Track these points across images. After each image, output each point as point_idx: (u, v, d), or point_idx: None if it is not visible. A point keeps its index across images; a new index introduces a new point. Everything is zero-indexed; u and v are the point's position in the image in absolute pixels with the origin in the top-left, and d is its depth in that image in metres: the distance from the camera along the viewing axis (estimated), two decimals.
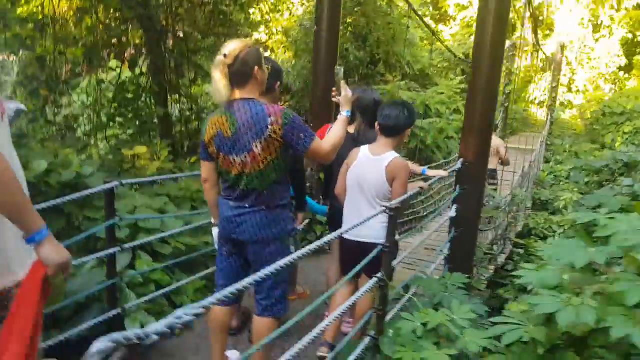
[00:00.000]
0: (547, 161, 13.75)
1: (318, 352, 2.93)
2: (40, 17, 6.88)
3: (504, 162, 7.53)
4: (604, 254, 1.88)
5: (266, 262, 2.33)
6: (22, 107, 1.79)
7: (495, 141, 7.18)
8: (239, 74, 2.20)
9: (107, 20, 7.89)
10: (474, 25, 4.00)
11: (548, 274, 2.02)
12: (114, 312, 2.63)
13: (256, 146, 2.19)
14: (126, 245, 2.75)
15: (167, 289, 2.95)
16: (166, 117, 7.53)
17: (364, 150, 2.90)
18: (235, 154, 2.23)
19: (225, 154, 2.25)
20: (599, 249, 1.93)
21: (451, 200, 3.97)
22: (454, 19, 17.99)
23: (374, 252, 2.47)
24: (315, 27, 4.34)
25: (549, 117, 16.18)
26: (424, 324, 2.33)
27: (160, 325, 1.18)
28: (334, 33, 4.25)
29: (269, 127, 2.17)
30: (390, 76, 13.26)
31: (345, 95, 2.50)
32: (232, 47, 2.21)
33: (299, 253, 1.91)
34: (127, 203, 3.65)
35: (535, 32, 19.87)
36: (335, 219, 3.16)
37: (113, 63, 8.17)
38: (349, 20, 12.58)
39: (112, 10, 7.71)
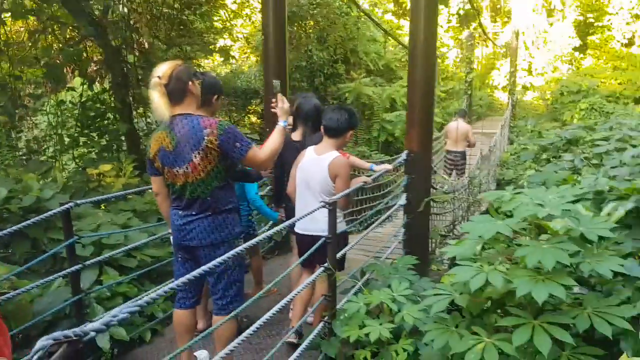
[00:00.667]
0: (511, 142, 14.20)
1: (288, 338, 3.09)
2: None
3: (471, 145, 8.49)
4: (507, 225, 2.12)
5: (217, 264, 2.53)
6: None
7: (464, 127, 8.35)
8: (175, 91, 2.38)
9: (64, 39, 7.93)
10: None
11: (465, 247, 2.25)
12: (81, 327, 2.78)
13: (195, 157, 2.37)
14: (88, 262, 2.90)
15: (135, 301, 3.09)
16: (132, 132, 7.60)
17: (309, 150, 3.12)
18: (177, 166, 2.41)
19: (169, 167, 2.43)
20: (505, 222, 2.17)
21: (400, 189, 4.21)
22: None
23: (318, 243, 2.69)
24: (263, 39, 4.54)
25: (510, 100, 16.66)
26: (367, 304, 2.55)
27: (97, 323, 1.36)
28: (280, 43, 4.45)
29: (205, 138, 2.35)
30: (354, 74, 13.52)
31: (282, 107, 2.70)
32: (164, 68, 2.40)
33: (238, 249, 2.11)
34: (89, 221, 3.79)
35: (494, 21, 20.47)
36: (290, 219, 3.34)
37: (77, 81, 8.20)
38: (310, 22, 12.81)
39: (68, 29, 7.76)
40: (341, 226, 3.09)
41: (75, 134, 7.04)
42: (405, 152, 4.05)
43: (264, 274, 4.03)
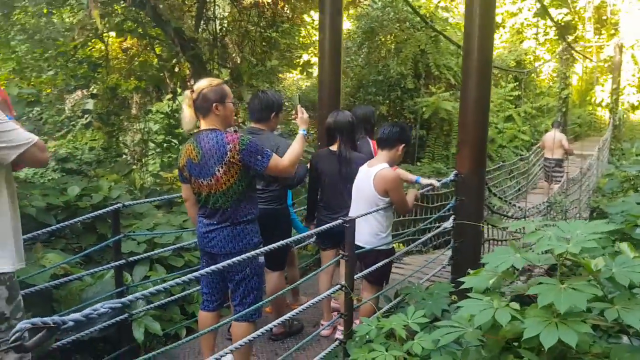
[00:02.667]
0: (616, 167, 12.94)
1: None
2: (100, 55, 7.73)
3: (569, 153, 9.34)
4: (522, 259, 1.97)
5: (236, 272, 2.63)
6: None
7: (558, 135, 9.24)
8: (200, 107, 2.55)
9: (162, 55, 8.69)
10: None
11: (480, 279, 2.13)
12: (122, 317, 3.02)
13: (218, 170, 2.51)
14: (130, 258, 3.14)
15: (171, 298, 3.30)
16: None
17: (365, 164, 3.24)
18: (202, 178, 2.56)
19: (195, 178, 2.60)
20: (523, 255, 2.02)
21: (447, 211, 4.05)
22: (503, 26, 17.54)
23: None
24: (319, 55, 4.64)
25: (612, 119, 15.24)
26: (380, 328, 2.49)
27: (78, 315, 1.49)
28: (335, 59, 4.51)
29: (228, 153, 2.49)
30: (433, 88, 13.22)
31: (301, 117, 2.85)
32: (199, 84, 2.59)
33: (254, 253, 2.22)
34: (148, 221, 4.10)
35: (598, 33, 18.88)
36: (324, 234, 3.37)
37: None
38: (388, 37, 12.78)
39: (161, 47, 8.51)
40: (384, 241, 3.18)
41: (161, 141, 7.65)
42: (454, 172, 3.89)
43: (303, 287, 4.08)
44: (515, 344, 2.10)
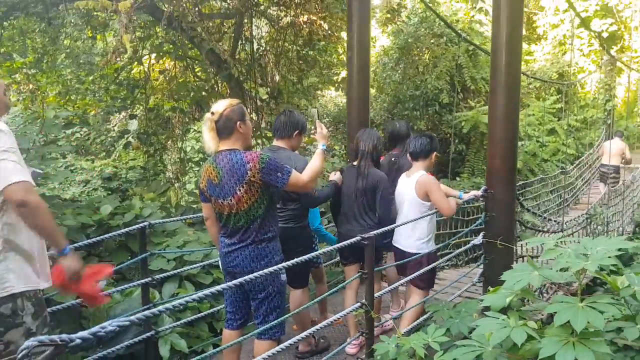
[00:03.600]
0: None
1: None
2: (140, 76, 8.08)
3: (627, 162, 9.95)
4: (540, 278, 1.90)
5: (259, 291, 2.65)
6: (39, 171, 2.37)
7: (620, 144, 10.05)
8: (223, 128, 2.58)
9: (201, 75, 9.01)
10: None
11: (497, 297, 2.06)
12: (148, 334, 3.09)
13: (239, 190, 2.53)
14: (158, 276, 3.23)
15: (197, 315, 3.35)
16: None
17: (403, 175, 3.55)
18: (222, 198, 2.58)
19: (216, 198, 2.62)
20: (541, 273, 1.95)
21: (476, 226, 3.95)
22: (545, 38, 17.09)
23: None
24: (347, 72, 4.68)
25: None
26: (400, 346, 2.44)
27: (85, 333, 1.54)
28: (363, 76, 4.52)
29: (248, 172, 2.51)
30: (472, 102, 12.99)
31: (320, 132, 2.87)
32: (218, 106, 2.62)
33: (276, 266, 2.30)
34: (178, 238, 4.21)
35: None
36: (344, 249, 3.36)
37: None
38: (425, 51, 12.71)
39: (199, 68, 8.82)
40: (428, 245, 3.41)
41: (198, 159, 7.87)
42: (483, 187, 3.80)
43: (332, 304, 4.05)
44: None
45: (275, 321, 2.67)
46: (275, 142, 3.31)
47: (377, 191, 3.39)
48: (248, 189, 2.53)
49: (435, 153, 3.45)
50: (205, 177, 2.66)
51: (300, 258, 2.44)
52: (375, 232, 2.78)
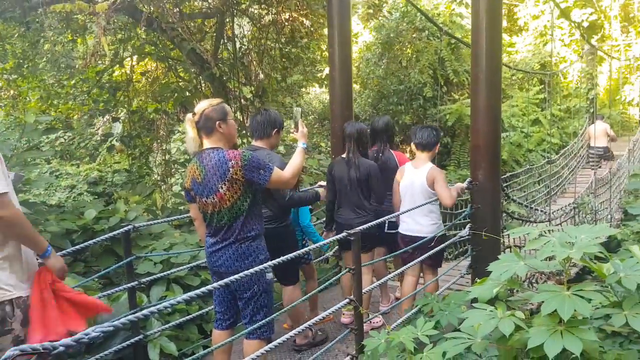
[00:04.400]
0: None
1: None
2: (122, 78, 7.97)
3: (612, 139, 10.63)
4: (525, 267, 1.90)
5: (244, 290, 2.64)
6: (21, 174, 2.34)
7: (602, 125, 10.75)
8: (204, 127, 2.59)
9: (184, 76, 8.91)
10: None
11: (484, 288, 2.07)
12: (136, 338, 3.06)
13: (221, 187, 2.52)
14: (144, 279, 3.19)
15: (186, 317, 3.32)
16: None
17: (408, 166, 3.75)
18: (206, 196, 2.58)
19: (200, 196, 2.62)
20: (527, 262, 1.95)
21: (463, 219, 3.98)
22: (526, 30, 17.22)
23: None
24: (329, 69, 4.66)
25: None
26: (390, 341, 2.44)
27: (68, 340, 1.51)
28: (345, 72, 4.51)
29: (230, 169, 2.50)
30: (456, 95, 13.06)
31: (301, 131, 2.90)
32: (200, 106, 2.63)
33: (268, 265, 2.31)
34: (165, 241, 4.17)
35: (626, 31, 18.29)
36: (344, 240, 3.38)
37: None
38: (407, 46, 12.74)
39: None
40: (440, 227, 3.67)
41: (183, 161, 7.80)
42: (468, 180, 3.82)
43: (322, 301, 4.05)
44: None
45: (263, 320, 2.66)
46: (254, 142, 3.31)
47: (369, 179, 3.54)
48: (230, 186, 2.53)
49: (438, 144, 3.71)
50: (190, 176, 2.66)
51: (287, 256, 2.44)
52: (377, 221, 3.07)
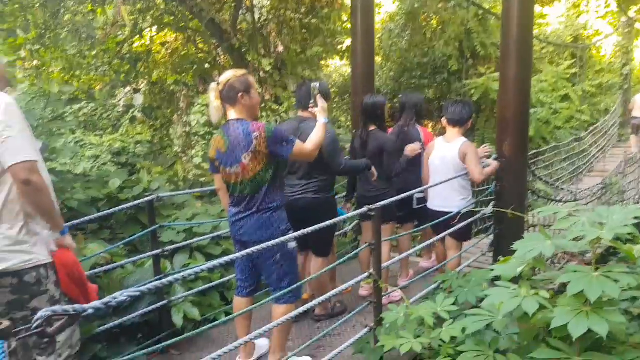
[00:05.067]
0: None
1: None
2: (142, 49, 7.98)
3: None
4: (553, 247, 1.86)
5: (267, 258, 2.67)
6: (46, 143, 2.39)
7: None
8: (227, 98, 2.60)
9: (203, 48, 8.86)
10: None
11: (508, 267, 2.04)
12: (161, 303, 3.14)
13: (245, 158, 2.55)
14: (168, 248, 3.25)
15: (209, 285, 3.40)
16: None
17: (439, 141, 3.75)
18: (229, 166, 2.62)
19: (224, 167, 2.65)
20: (554, 242, 1.91)
21: (486, 196, 3.91)
22: (559, 0, 16.52)
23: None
24: (351, 40, 4.57)
25: None
26: (409, 315, 2.44)
27: (98, 302, 1.55)
28: (368, 45, 4.42)
29: (254, 141, 2.53)
30: (482, 69, 12.71)
31: (321, 106, 2.86)
32: (225, 76, 2.64)
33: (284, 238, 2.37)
34: (187, 211, 4.22)
35: None
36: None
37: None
38: (432, 17, 12.39)
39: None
40: (470, 202, 3.68)
41: (202, 133, 7.85)
42: (494, 156, 3.74)
43: (341, 274, 4.08)
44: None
45: (290, 287, 2.70)
46: (301, 113, 3.32)
47: (382, 153, 3.53)
48: (254, 157, 2.55)
49: (470, 120, 3.67)
50: (215, 146, 2.70)
51: (324, 223, 2.52)
52: (400, 196, 3.12)
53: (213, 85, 2.62)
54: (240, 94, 2.59)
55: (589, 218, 1.89)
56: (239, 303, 2.91)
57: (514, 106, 3.66)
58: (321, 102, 2.87)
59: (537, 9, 16.65)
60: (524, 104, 3.69)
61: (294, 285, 2.73)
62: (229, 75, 2.63)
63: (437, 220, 3.58)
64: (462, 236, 3.74)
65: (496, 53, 12.11)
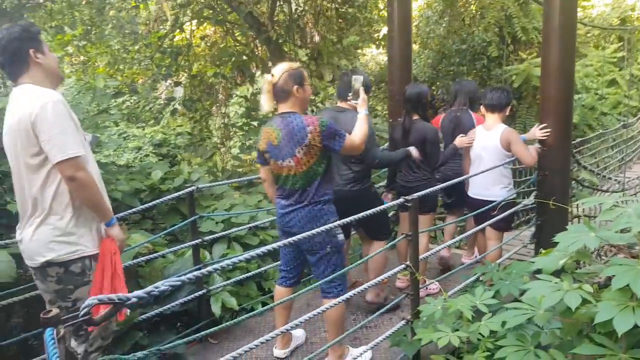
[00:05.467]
0: None
1: None
2: (183, 43, 8.14)
3: None
4: (598, 237, 1.80)
5: (317, 250, 2.71)
6: (97, 135, 2.48)
7: None
8: (281, 91, 2.61)
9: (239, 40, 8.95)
10: None
11: (550, 260, 1.98)
12: (200, 292, 3.23)
13: (298, 152, 2.57)
14: (207, 237, 3.34)
15: (246, 275, 3.47)
16: None
17: (479, 129, 3.73)
18: (281, 159, 2.63)
19: (275, 160, 2.67)
20: (598, 234, 1.85)
21: (529, 186, 3.81)
22: None
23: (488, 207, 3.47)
24: (387, 28, 4.51)
25: None
26: (447, 308, 2.42)
27: (141, 292, 1.61)
28: (405, 32, 4.34)
29: (308, 135, 2.55)
30: (524, 54, 12.28)
31: (362, 97, 2.85)
32: (279, 68, 2.64)
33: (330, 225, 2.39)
34: (225, 202, 4.31)
35: None
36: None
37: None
38: (472, 2, 12.05)
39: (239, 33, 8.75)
40: (511, 192, 3.66)
41: (240, 124, 7.95)
42: (536, 144, 3.62)
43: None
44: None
45: (336, 277, 2.70)
46: (340, 104, 3.34)
47: (425, 143, 3.49)
48: (307, 151, 2.57)
49: (510, 107, 3.67)
50: (265, 139, 2.70)
51: (374, 210, 2.59)
52: (438, 186, 3.15)
53: (267, 76, 2.62)
54: (295, 87, 2.60)
55: (636, 209, 1.81)
56: (281, 292, 2.95)
57: (557, 93, 3.54)
58: (362, 95, 2.85)
59: None
60: (567, 90, 3.55)
61: (342, 278, 2.74)
62: (284, 67, 2.63)
63: (478, 211, 3.55)
64: (503, 226, 3.69)
65: (538, 38, 11.65)
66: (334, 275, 2.68)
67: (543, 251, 2.17)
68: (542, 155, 3.63)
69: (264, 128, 2.76)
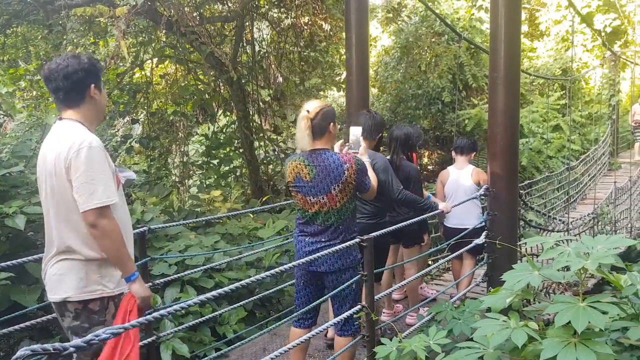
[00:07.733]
0: None
1: None
2: (142, 80, 8.09)
3: None
4: (540, 277, 1.87)
5: (344, 288, 2.64)
6: (133, 175, 2.44)
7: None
8: (318, 127, 2.61)
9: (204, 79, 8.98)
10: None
11: (497, 298, 2.04)
12: (149, 339, 3.08)
13: (334, 189, 2.58)
14: (158, 281, 3.21)
15: (199, 319, 3.33)
16: (252, 161, 8.21)
17: (452, 169, 4.37)
18: (312, 196, 2.61)
19: (304, 195, 2.65)
20: (542, 272, 1.92)
21: (480, 225, 3.94)
22: (548, 35, 16.95)
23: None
24: (346, 72, 4.66)
25: None
26: (401, 349, 2.42)
27: (79, 341, 1.53)
28: (362, 77, 4.50)
29: (345, 172, 2.57)
30: (475, 100, 12.92)
31: (363, 147, 2.97)
32: (313, 105, 2.66)
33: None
34: (180, 242, 4.20)
35: None
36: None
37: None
38: (426, 50, 12.66)
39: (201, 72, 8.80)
40: (481, 219, 4.04)
41: (199, 162, 7.87)
42: (484, 186, 3.77)
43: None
44: None
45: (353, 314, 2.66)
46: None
47: (409, 182, 3.60)
48: (343, 188, 2.59)
49: (474, 153, 4.37)
50: (294, 173, 2.67)
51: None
52: (391, 228, 3.10)
53: (304, 113, 2.61)
54: (331, 125, 2.64)
55: (575, 248, 1.91)
56: (298, 334, 2.78)
57: (503, 139, 3.73)
58: (362, 144, 2.95)
59: (527, 43, 17.06)
60: (513, 136, 3.75)
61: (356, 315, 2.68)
62: (319, 104, 2.66)
63: (456, 237, 3.94)
64: (478, 251, 4.12)
65: (488, 85, 12.31)
66: (351, 311, 2.65)
67: (492, 290, 2.23)
68: (491, 197, 3.77)
69: (291, 162, 2.72)
